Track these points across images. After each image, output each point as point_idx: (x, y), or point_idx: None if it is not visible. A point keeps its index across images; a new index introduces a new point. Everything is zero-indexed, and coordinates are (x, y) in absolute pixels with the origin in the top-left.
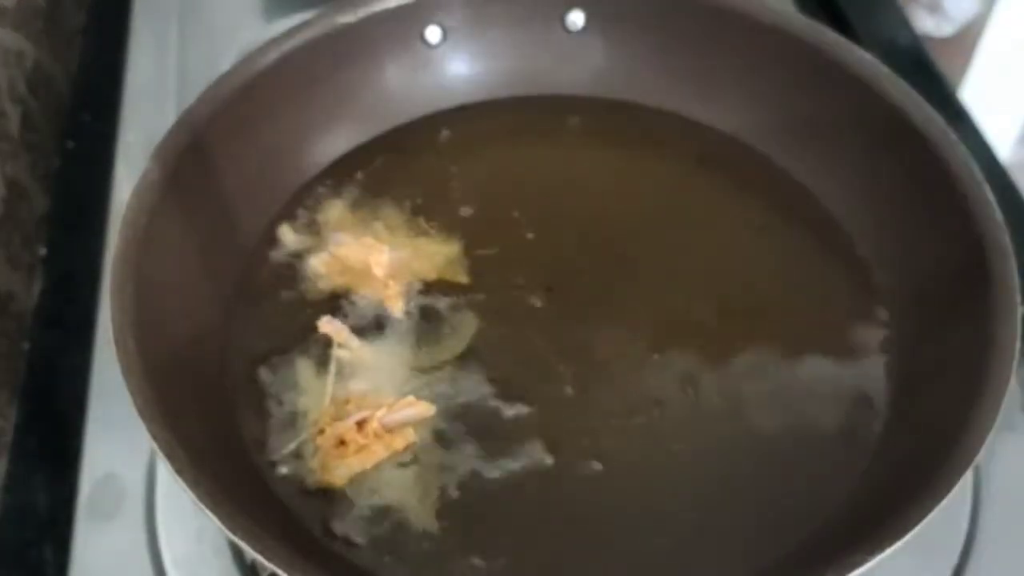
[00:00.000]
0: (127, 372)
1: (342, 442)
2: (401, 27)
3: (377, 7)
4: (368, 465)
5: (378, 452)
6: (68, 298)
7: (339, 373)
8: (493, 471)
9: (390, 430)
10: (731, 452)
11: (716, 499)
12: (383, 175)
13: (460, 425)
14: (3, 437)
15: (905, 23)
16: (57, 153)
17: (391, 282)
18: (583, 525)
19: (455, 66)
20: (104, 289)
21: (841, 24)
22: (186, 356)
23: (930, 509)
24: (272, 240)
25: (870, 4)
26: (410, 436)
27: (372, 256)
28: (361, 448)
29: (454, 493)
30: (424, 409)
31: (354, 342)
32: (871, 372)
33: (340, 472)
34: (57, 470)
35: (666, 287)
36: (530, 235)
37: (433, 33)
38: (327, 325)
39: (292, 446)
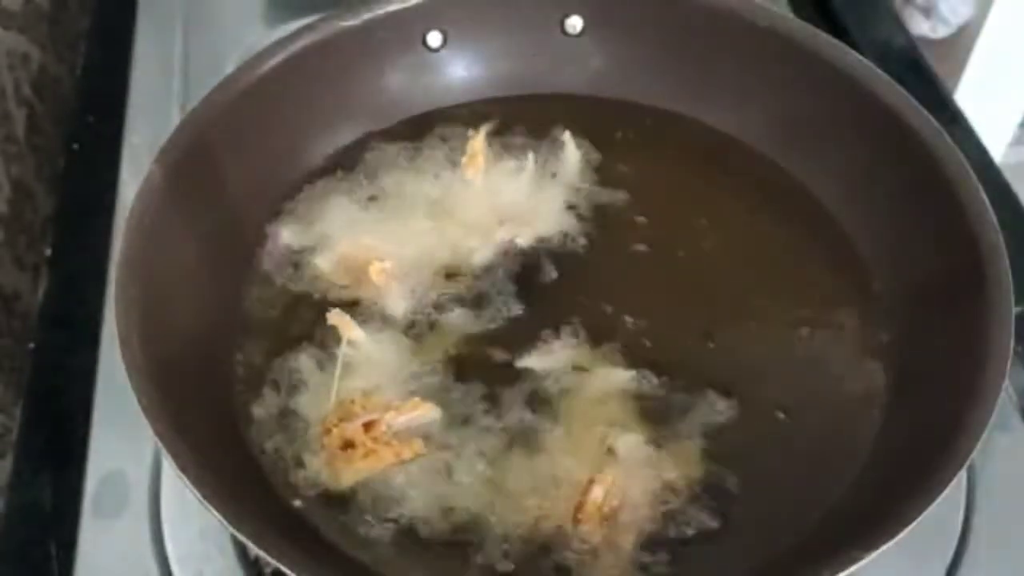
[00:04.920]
0: (132, 371)
1: (349, 444)
2: (403, 32)
3: (379, 12)
4: (375, 469)
5: (386, 458)
6: (73, 298)
7: (343, 371)
8: (498, 468)
9: (399, 437)
10: (729, 452)
11: (714, 498)
12: (385, 174)
13: (463, 426)
14: (8, 436)
15: (900, 26)
16: (62, 155)
17: (393, 281)
18: None
19: (456, 69)
20: (109, 289)
21: (838, 27)
22: (190, 355)
23: (924, 507)
24: (275, 239)
25: (866, 7)
26: (419, 447)
27: (373, 257)
28: (369, 452)
29: (458, 493)
30: (429, 411)
31: (361, 336)
32: (867, 371)
33: (346, 475)
34: (62, 468)
35: (664, 285)
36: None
37: (434, 38)
38: (336, 318)
39: (297, 445)
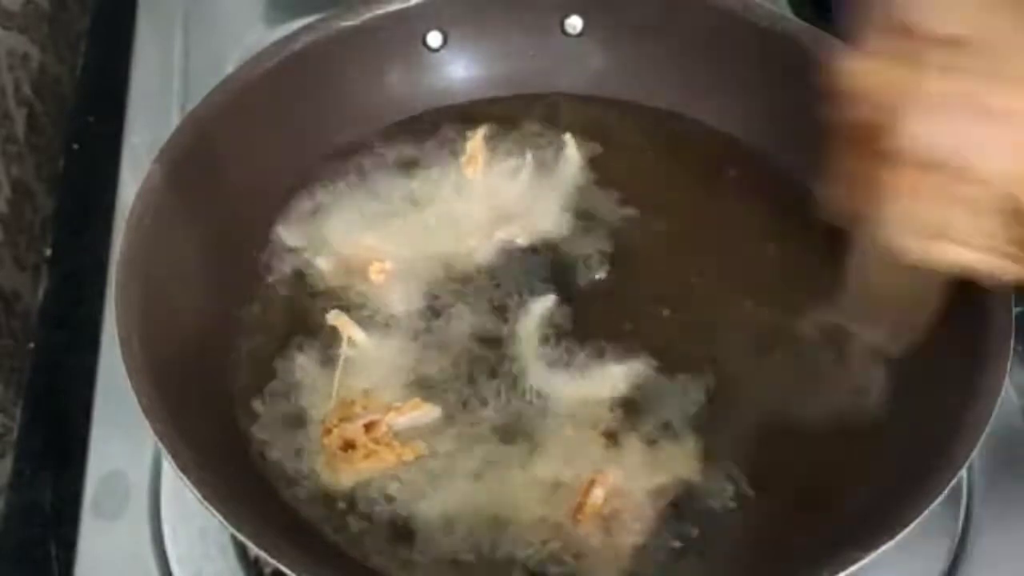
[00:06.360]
0: (132, 371)
1: (350, 444)
2: (403, 32)
3: (379, 12)
4: (375, 470)
5: (387, 459)
6: (73, 298)
7: (343, 372)
8: (498, 469)
9: (400, 438)
10: (729, 453)
11: (713, 499)
12: (385, 174)
13: (464, 426)
14: (9, 436)
15: None
16: (62, 155)
17: (393, 281)
18: None
19: (456, 69)
20: (109, 289)
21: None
22: (190, 355)
23: (924, 507)
24: (275, 239)
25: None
26: (419, 448)
27: (373, 257)
28: (370, 453)
29: (458, 493)
30: (430, 411)
31: (361, 336)
32: (868, 372)
33: (347, 475)
34: (62, 468)
35: (664, 285)
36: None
37: (434, 38)
38: (336, 319)
39: (297, 446)
